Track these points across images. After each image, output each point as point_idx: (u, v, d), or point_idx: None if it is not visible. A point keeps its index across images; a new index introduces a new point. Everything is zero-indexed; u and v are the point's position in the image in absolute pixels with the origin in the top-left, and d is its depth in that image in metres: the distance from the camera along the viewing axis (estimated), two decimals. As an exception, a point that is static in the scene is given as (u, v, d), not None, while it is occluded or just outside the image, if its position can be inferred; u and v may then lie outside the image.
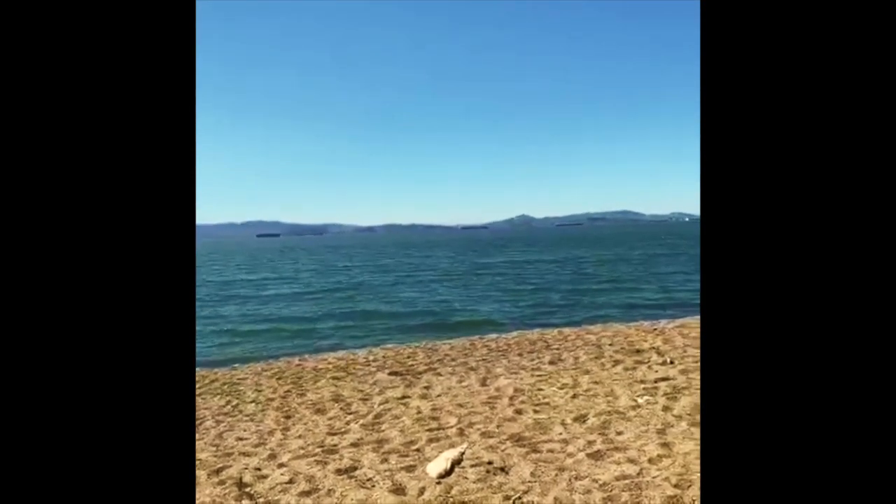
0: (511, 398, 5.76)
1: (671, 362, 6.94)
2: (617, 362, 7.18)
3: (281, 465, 4.31)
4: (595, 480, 3.63)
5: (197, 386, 7.18)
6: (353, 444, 4.67)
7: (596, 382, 6.19)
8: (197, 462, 4.44)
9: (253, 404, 6.31)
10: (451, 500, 3.51)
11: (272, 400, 6.44)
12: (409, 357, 8.59)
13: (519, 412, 5.25)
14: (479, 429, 4.83)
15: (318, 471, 4.14)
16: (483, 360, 7.97)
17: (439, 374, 7.17)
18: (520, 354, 8.22)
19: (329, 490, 3.79)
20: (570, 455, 4.09)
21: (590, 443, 4.31)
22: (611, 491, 3.47)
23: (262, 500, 3.73)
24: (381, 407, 5.79)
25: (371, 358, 8.77)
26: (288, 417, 5.68)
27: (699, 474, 3.58)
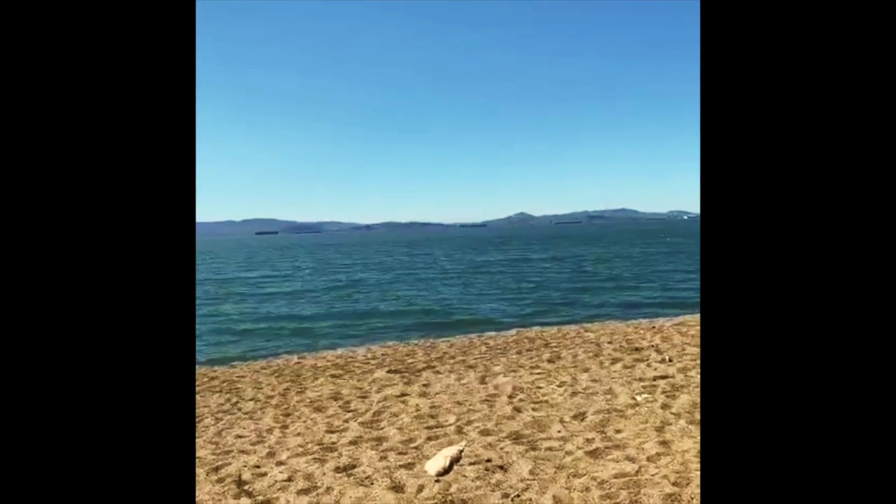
0: (510, 396, 5.76)
1: (670, 360, 6.95)
2: (616, 360, 7.19)
3: (280, 463, 4.32)
4: (594, 478, 3.64)
5: (196, 384, 7.18)
6: (352, 442, 4.68)
7: (595, 380, 6.20)
8: (195, 460, 4.44)
9: (252, 402, 6.31)
10: (450, 497, 3.51)
11: (271, 398, 6.44)
12: (407, 355, 8.60)
13: (518, 410, 5.26)
14: (477, 427, 4.83)
15: (316, 469, 4.14)
16: (482, 358, 7.98)
17: (438, 372, 7.17)
18: (519, 352, 8.22)
19: (328, 488, 3.79)
20: (569, 453, 4.10)
21: (588, 441, 4.32)
22: (609, 489, 3.48)
23: (260, 497, 3.73)
24: (380, 405, 5.79)
25: (370, 356, 8.77)
26: (287, 415, 5.68)
27: (698, 472, 3.59)
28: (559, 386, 6.05)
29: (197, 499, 3.73)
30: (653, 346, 8.03)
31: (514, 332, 10.63)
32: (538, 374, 6.73)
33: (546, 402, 5.49)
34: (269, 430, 5.22)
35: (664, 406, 5.07)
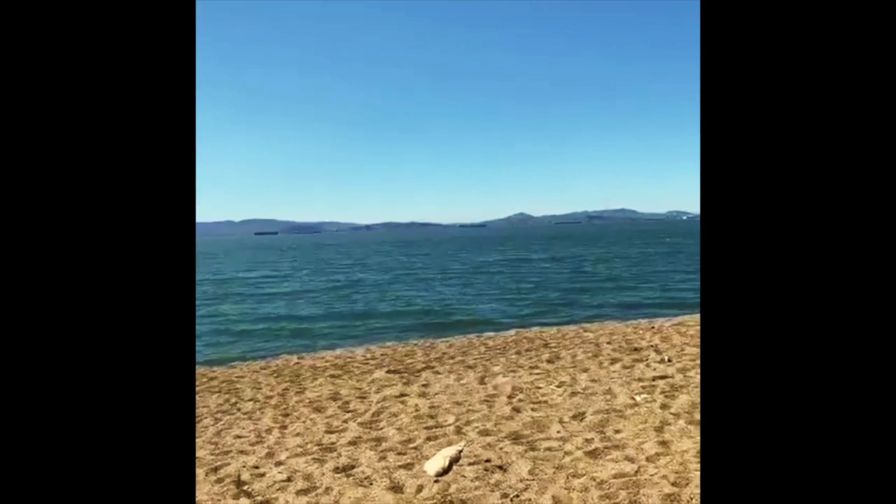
0: (509, 396, 5.76)
1: (669, 360, 6.95)
2: (615, 360, 7.19)
3: (279, 464, 4.31)
4: (593, 478, 3.64)
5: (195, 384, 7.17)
6: (351, 443, 4.68)
7: (594, 381, 6.20)
8: (196, 460, 4.44)
9: (251, 402, 6.31)
10: (449, 498, 3.51)
11: (270, 398, 6.44)
12: (407, 355, 8.60)
13: (517, 410, 5.26)
14: (477, 427, 4.83)
15: (315, 469, 4.14)
16: (481, 358, 7.98)
17: (437, 373, 7.17)
18: (518, 353, 8.22)
19: (327, 488, 3.79)
20: (568, 453, 4.10)
21: (588, 441, 4.32)
22: (608, 489, 3.48)
23: (259, 498, 3.73)
24: (379, 405, 5.79)
25: (369, 356, 8.76)
26: (286, 416, 5.68)
27: (697, 472, 3.59)
28: (558, 386, 6.05)
29: (196, 499, 3.73)
30: (652, 346, 8.04)
31: (513, 332, 10.63)
32: (537, 374, 6.73)
33: (545, 402, 5.49)
34: (268, 431, 5.22)
35: (663, 406, 5.07)
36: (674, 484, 3.47)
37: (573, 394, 5.70)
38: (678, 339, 8.50)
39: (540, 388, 6.05)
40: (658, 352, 7.57)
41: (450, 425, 4.95)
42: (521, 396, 5.74)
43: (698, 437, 4.18)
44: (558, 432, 4.57)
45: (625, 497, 3.36)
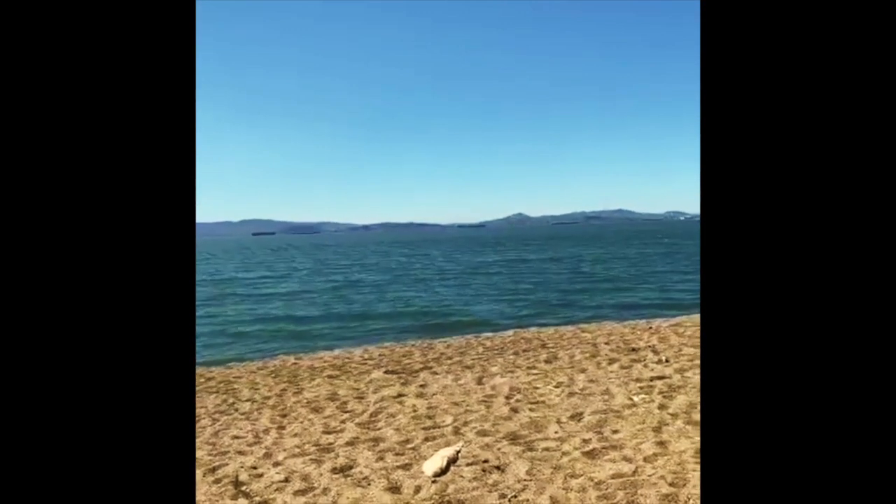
0: (507, 397, 5.76)
1: (667, 361, 6.96)
2: (613, 361, 7.19)
3: (276, 464, 4.31)
4: (591, 479, 3.64)
5: (192, 384, 7.15)
6: (349, 443, 4.67)
7: (592, 381, 6.20)
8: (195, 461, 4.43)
9: (249, 403, 6.30)
10: (447, 498, 3.51)
11: (268, 398, 6.43)
12: (405, 356, 8.59)
13: (515, 411, 5.26)
14: (474, 427, 4.83)
15: (313, 469, 4.13)
16: (479, 358, 7.98)
17: (435, 373, 7.16)
18: (516, 353, 8.22)
19: (325, 489, 3.79)
20: (566, 453, 4.10)
21: (585, 441, 4.32)
22: (606, 489, 3.48)
23: (257, 498, 3.72)
24: (377, 405, 5.78)
25: (367, 357, 8.76)
26: (284, 416, 5.67)
27: (694, 472, 3.60)
28: (556, 386, 6.05)
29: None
30: (650, 346, 8.04)
31: (511, 332, 10.62)
32: (535, 374, 6.74)
33: (543, 402, 5.49)
34: (266, 431, 5.21)
35: (661, 406, 5.07)
36: (671, 484, 3.47)
37: (571, 394, 5.71)
38: (676, 339, 8.50)
39: (538, 388, 6.05)
40: (656, 352, 7.57)
41: (448, 426, 4.94)
42: (518, 397, 5.74)
43: (696, 438, 4.19)
44: (556, 433, 4.57)
45: (622, 497, 3.36)
